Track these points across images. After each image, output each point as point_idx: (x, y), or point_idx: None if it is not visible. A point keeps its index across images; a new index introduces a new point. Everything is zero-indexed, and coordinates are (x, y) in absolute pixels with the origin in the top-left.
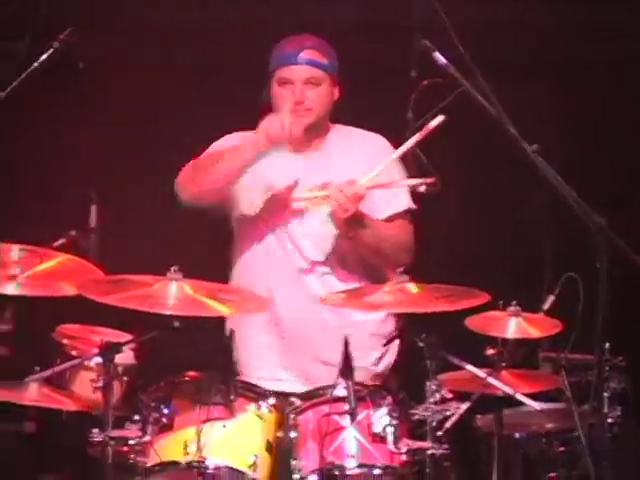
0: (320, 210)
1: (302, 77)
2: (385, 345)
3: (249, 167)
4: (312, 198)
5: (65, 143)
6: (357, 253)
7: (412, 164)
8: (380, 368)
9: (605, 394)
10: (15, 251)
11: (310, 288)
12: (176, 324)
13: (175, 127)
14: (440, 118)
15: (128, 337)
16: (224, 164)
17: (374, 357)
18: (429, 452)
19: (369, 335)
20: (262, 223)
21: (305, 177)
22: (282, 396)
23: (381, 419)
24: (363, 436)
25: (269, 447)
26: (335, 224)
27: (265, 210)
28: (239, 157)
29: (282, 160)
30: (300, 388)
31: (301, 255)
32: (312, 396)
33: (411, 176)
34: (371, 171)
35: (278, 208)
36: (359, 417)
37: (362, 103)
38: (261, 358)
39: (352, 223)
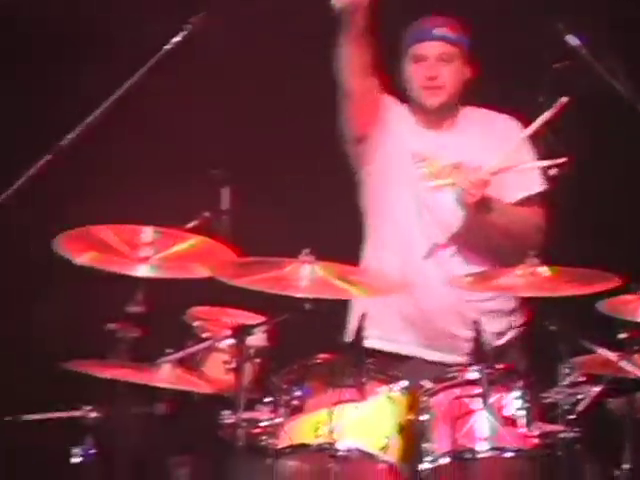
0: (448, 192)
1: (435, 53)
2: (512, 328)
3: None
4: (439, 184)
5: (196, 125)
6: (485, 235)
7: (542, 145)
8: (501, 342)
9: None
10: (148, 233)
11: (438, 268)
12: (308, 306)
13: (306, 106)
14: (568, 98)
15: (260, 319)
16: None
17: (495, 331)
18: (561, 435)
19: (489, 311)
20: (394, 198)
21: (436, 155)
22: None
23: (513, 402)
24: (495, 419)
25: (400, 429)
26: (463, 208)
27: (396, 181)
28: None
29: (415, 136)
30: (428, 355)
31: (429, 234)
32: (444, 379)
33: (541, 158)
34: (501, 152)
35: (409, 183)
36: (491, 400)
37: (493, 85)
38: (389, 325)
39: (479, 207)
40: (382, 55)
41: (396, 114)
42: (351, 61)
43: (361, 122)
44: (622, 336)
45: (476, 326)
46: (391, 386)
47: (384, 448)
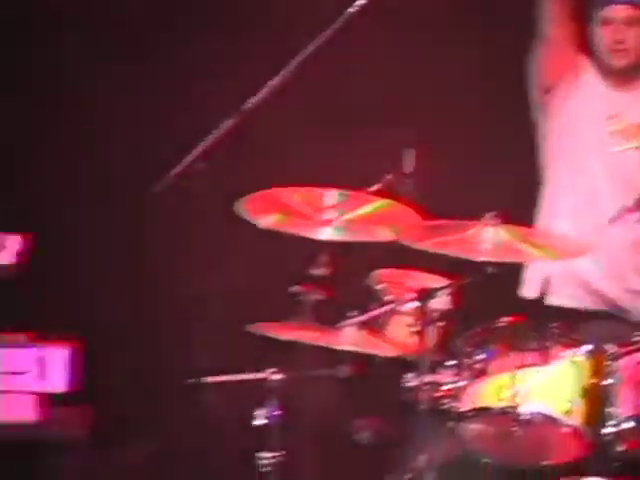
0: (635, 154)
1: (622, 16)
2: None
3: None
4: (626, 147)
5: (379, 88)
6: None
7: None
8: None
9: None
10: (332, 195)
11: (624, 231)
12: (490, 269)
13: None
14: None
15: (444, 282)
16: None
17: None
18: None
19: None
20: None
21: (623, 115)
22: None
23: None
24: None
25: (584, 393)
26: None
27: (582, 139)
28: None
29: (602, 95)
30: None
31: (616, 197)
32: (628, 343)
33: None
34: None
35: (596, 142)
36: None
37: None
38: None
39: None
40: (581, 7)
41: (586, 71)
42: (553, 7)
43: (553, 70)
44: None
45: None
46: (575, 350)
47: (568, 412)
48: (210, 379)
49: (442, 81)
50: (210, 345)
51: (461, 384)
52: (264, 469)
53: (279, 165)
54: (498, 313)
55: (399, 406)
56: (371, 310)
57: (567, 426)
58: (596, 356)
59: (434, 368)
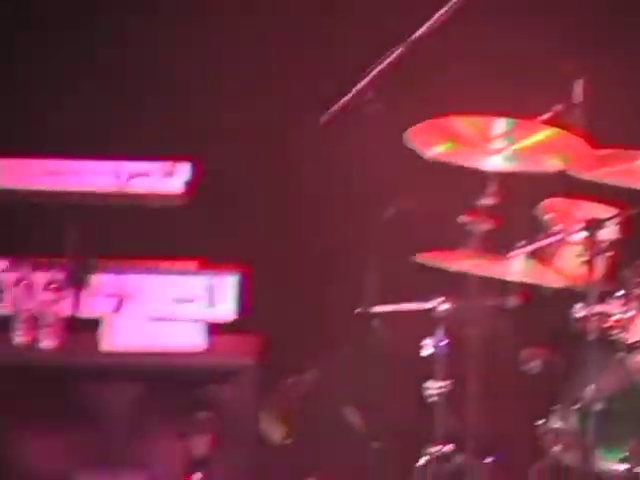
0: None
1: None
2: None
3: None
4: None
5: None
6: None
7: None
8: None
9: None
10: (501, 124)
11: None
12: None
13: None
14: None
15: (613, 212)
16: None
17: None
18: None
19: None
20: None
21: None
22: None
23: None
24: None
25: None
26: None
27: None
28: None
29: None
30: None
31: None
32: None
33: None
34: None
35: None
36: None
37: None
38: None
39: None
40: None
41: None
42: None
43: None
44: None
45: None
46: None
47: None
48: (378, 308)
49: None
50: (379, 274)
51: (630, 314)
52: (431, 399)
53: (447, 94)
54: None
55: (567, 337)
56: (539, 240)
57: None
58: None
59: (603, 298)
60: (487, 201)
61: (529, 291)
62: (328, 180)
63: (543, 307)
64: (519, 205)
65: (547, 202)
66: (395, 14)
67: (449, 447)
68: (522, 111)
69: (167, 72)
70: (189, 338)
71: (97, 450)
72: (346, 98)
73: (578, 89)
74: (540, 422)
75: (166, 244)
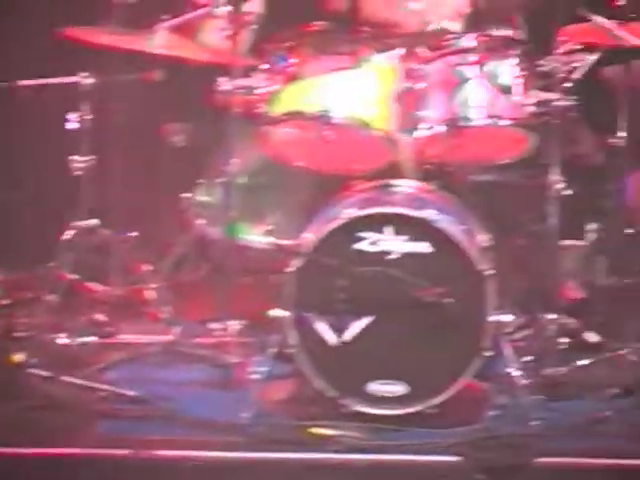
0: None
1: None
2: None
3: None
4: None
5: None
6: None
7: None
8: None
9: None
10: None
11: None
12: None
13: None
14: None
15: None
16: None
17: None
18: (556, 103)
19: None
20: None
21: None
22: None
23: (509, 70)
24: (491, 87)
25: (397, 98)
26: None
27: None
28: None
29: None
30: None
31: None
32: (440, 46)
33: None
34: None
35: None
36: (486, 68)
37: None
38: None
39: None
40: None
41: None
42: None
43: None
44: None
45: None
46: (387, 53)
47: (379, 117)
48: (23, 82)
49: None
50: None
51: (274, 88)
52: (76, 172)
53: None
54: (309, 18)
55: (212, 111)
56: (184, 14)
57: (379, 130)
58: (408, 60)
59: (247, 72)
60: None
61: (173, 66)
62: None
63: (187, 81)
64: None
65: None
66: None
67: (94, 221)
68: None
69: None
70: None
71: None
72: None
73: None
74: (185, 195)
75: None
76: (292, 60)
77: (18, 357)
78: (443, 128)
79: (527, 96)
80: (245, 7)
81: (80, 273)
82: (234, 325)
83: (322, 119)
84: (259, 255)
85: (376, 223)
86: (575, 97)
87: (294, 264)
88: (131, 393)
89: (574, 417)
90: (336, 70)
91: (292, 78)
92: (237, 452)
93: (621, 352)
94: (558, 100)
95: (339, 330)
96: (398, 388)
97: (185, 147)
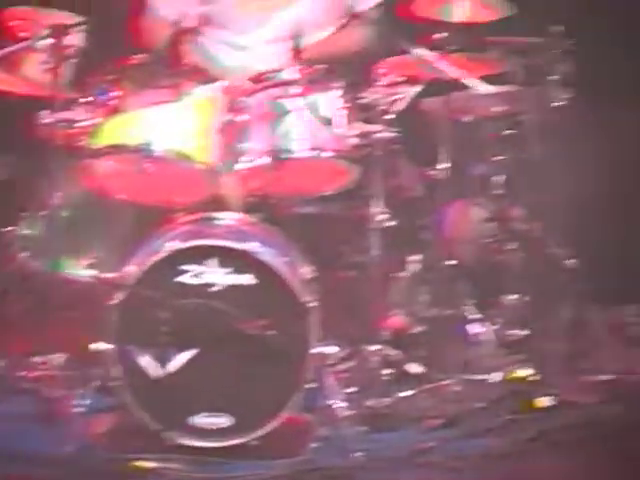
0: None
1: None
2: None
3: None
4: None
5: None
6: None
7: None
8: None
9: (553, 77)
10: None
11: None
12: None
13: None
14: None
15: (79, 19)
16: None
17: None
18: (378, 135)
19: None
20: None
21: None
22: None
23: (331, 102)
24: (313, 119)
25: (218, 130)
26: None
27: None
28: None
29: None
30: None
31: None
32: (262, 79)
33: None
34: None
35: None
36: (308, 100)
37: None
38: None
39: None
40: None
41: None
42: None
43: None
44: (438, 36)
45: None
46: (209, 86)
47: (201, 149)
48: None
49: None
50: None
51: (96, 121)
52: None
53: None
54: (130, 51)
55: (34, 144)
56: (4, 48)
57: (200, 163)
58: (230, 92)
59: (69, 105)
60: None
61: None
62: None
63: (8, 114)
64: None
65: (10, 10)
66: None
67: None
68: None
69: None
70: None
71: None
72: None
73: None
74: (8, 229)
75: None
76: (114, 93)
77: None
78: (265, 160)
79: (350, 128)
80: (66, 40)
81: None
82: (57, 358)
83: (143, 152)
84: (82, 288)
85: (198, 256)
86: (396, 129)
87: (117, 297)
88: None
89: (397, 448)
90: (157, 103)
91: (114, 111)
92: None
93: (444, 383)
94: (380, 132)
95: (162, 363)
96: (222, 420)
97: (7, 180)
